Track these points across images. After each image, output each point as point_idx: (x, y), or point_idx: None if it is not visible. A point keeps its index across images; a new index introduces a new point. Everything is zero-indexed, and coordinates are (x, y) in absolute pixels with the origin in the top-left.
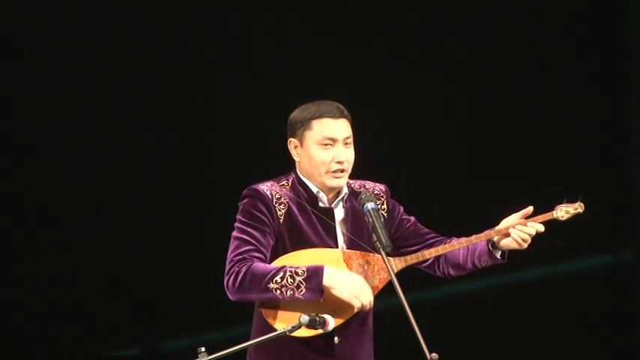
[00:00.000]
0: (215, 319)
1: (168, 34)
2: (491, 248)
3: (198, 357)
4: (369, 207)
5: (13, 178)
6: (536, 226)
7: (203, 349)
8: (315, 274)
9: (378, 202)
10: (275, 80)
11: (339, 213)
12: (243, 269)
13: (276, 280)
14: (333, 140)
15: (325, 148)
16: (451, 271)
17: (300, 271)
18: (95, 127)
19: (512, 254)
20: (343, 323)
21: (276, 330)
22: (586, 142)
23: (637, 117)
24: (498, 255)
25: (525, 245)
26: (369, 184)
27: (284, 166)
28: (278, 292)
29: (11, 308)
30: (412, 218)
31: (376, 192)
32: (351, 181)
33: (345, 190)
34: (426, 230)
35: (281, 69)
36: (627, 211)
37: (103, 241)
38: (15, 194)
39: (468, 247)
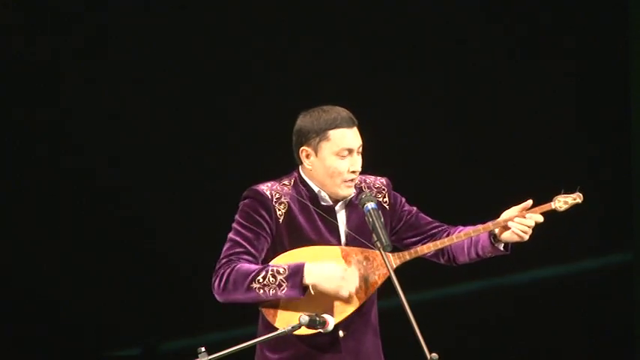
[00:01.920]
0: (215, 320)
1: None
2: (493, 241)
3: (198, 357)
4: (369, 207)
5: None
6: (534, 217)
7: (203, 349)
8: (296, 272)
9: (379, 196)
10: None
11: (342, 211)
12: (227, 271)
13: (259, 280)
14: (350, 150)
15: (342, 159)
16: (456, 260)
17: (281, 270)
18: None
19: (512, 255)
20: (346, 317)
21: (277, 329)
22: (586, 142)
23: (637, 117)
24: (501, 247)
25: (526, 237)
26: (370, 178)
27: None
28: (261, 291)
29: (11, 308)
30: (413, 209)
31: (377, 186)
32: None
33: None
34: (428, 220)
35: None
36: (627, 211)
37: (103, 241)
38: (13, 187)
39: (471, 238)
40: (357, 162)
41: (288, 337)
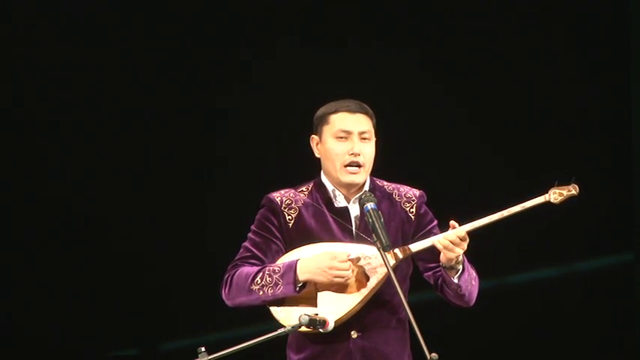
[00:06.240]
0: (215, 320)
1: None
2: (445, 271)
3: (198, 357)
4: (369, 207)
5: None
6: (456, 232)
7: (203, 349)
8: (289, 269)
9: (407, 205)
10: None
11: (355, 211)
12: (231, 276)
13: (257, 281)
14: (348, 133)
15: (340, 141)
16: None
17: (276, 269)
18: (91, 129)
19: (512, 255)
20: (360, 318)
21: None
22: (586, 142)
23: (637, 117)
24: (454, 279)
25: (451, 254)
26: (404, 188)
27: (285, 169)
28: (261, 292)
29: (11, 308)
30: None
31: (408, 195)
32: (386, 184)
33: (366, 188)
34: None
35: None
36: (627, 211)
37: (103, 241)
38: (14, 192)
39: (440, 280)
40: (356, 146)
41: (307, 338)
